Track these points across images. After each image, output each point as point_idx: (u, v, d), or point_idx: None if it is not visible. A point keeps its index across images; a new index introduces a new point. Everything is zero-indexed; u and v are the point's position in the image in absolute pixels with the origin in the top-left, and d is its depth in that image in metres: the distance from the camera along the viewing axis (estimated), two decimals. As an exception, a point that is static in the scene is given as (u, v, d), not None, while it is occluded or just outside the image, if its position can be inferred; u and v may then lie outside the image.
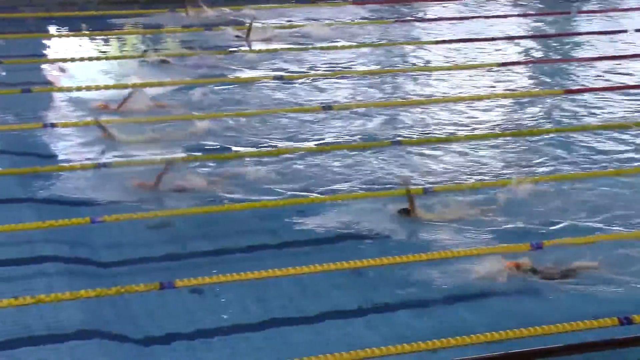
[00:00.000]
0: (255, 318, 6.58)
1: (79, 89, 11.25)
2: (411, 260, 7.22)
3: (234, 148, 9.67)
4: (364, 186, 8.76)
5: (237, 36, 13.60)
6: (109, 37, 13.88)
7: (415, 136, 10.16)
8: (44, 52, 13.29)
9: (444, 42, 14.08)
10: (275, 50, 13.27)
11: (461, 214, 8.10)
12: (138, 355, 6.19)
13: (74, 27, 14.35)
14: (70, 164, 9.12)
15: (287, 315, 6.65)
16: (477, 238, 7.72)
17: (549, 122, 10.73)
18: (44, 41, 13.86)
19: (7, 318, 6.47)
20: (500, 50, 13.84)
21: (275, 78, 11.92)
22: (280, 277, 7.03)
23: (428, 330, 6.35)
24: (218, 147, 9.69)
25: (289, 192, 8.57)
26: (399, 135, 10.15)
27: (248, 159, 9.35)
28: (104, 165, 9.06)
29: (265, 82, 11.80)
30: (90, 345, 6.24)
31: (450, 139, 10.09)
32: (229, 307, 6.73)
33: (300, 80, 11.90)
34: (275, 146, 9.69)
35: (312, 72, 12.32)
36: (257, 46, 13.41)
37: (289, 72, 12.23)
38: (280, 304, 6.77)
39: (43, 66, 12.47)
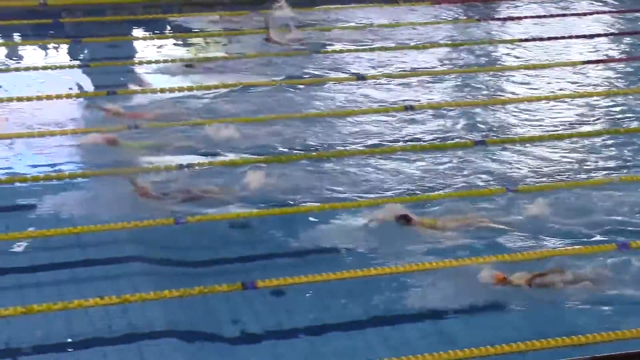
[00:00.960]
0: (336, 318, 6.50)
1: (162, 90, 11.27)
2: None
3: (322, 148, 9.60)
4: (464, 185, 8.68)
5: (266, 39, 13.38)
6: (189, 39, 13.87)
7: (499, 135, 9.96)
8: (129, 54, 13.36)
9: (525, 40, 13.82)
10: (356, 50, 13.16)
11: (465, 223, 7.84)
12: (220, 354, 6.19)
13: (157, 29, 14.44)
14: (154, 164, 9.13)
15: (373, 315, 6.57)
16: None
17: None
18: (128, 44, 13.95)
19: (94, 316, 6.50)
20: (583, 48, 13.53)
21: (359, 79, 11.81)
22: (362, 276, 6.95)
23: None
24: (312, 146, 9.64)
25: (393, 192, 8.51)
26: (483, 135, 9.96)
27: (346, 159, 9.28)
28: (187, 166, 9.04)
29: (347, 83, 11.70)
30: (173, 344, 6.24)
31: (533, 138, 9.87)
32: (310, 307, 6.65)
33: (380, 80, 11.78)
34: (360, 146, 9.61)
35: (393, 72, 12.18)
36: (337, 47, 13.31)
37: (369, 72, 12.10)
38: (364, 303, 6.68)
39: (128, 68, 12.52)
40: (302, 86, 11.52)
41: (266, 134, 9.88)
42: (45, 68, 12.07)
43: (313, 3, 15.68)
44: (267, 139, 9.74)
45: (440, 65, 12.62)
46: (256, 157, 9.27)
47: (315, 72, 12.15)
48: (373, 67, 12.34)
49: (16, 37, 13.79)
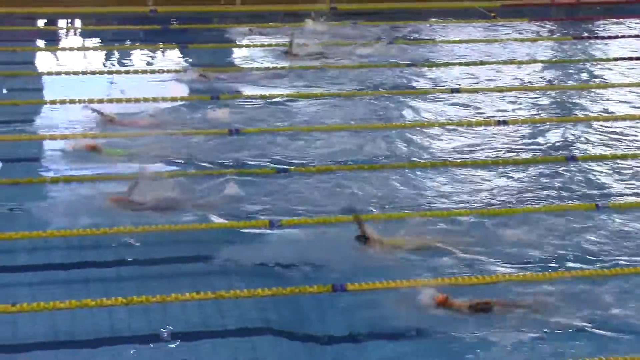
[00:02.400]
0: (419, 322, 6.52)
1: (271, 96, 11.44)
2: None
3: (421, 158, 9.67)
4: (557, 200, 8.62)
5: (285, 52, 13.39)
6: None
7: (590, 152, 9.85)
8: (231, 61, 13.56)
9: (622, 59, 13.61)
10: (453, 64, 13.14)
11: (424, 243, 7.66)
12: (310, 353, 6.23)
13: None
14: (253, 168, 9.28)
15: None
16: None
17: None
18: (229, 51, 14.14)
19: (189, 311, 6.63)
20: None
21: (453, 91, 11.80)
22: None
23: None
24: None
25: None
26: (575, 150, 9.86)
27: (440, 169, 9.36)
28: (284, 170, 9.17)
29: (441, 95, 11.70)
30: (264, 341, 6.34)
31: (626, 155, 9.73)
32: (398, 310, 6.69)
33: (476, 95, 11.74)
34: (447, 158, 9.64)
35: (487, 86, 12.14)
36: (435, 61, 13.32)
37: (463, 86, 12.08)
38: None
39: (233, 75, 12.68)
40: (401, 97, 11.55)
41: (366, 142, 10.01)
42: (152, 72, 12.36)
43: (412, 17, 15.75)
44: (370, 148, 9.87)
45: (535, 82, 12.50)
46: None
47: (414, 85, 12.19)
48: (467, 81, 12.30)
49: (128, 41, 14.12)
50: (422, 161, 9.54)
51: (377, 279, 7.01)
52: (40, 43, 14.52)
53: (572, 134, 10.45)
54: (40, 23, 15.53)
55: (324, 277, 7.09)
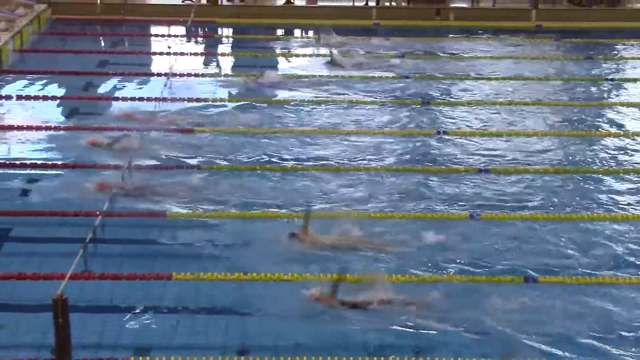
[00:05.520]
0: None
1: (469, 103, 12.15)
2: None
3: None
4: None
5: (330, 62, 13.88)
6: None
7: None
8: (445, 69, 14.18)
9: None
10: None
11: (351, 242, 7.87)
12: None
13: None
14: (456, 166, 9.95)
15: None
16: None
17: None
18: (442, 60, 14.80)
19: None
20: None
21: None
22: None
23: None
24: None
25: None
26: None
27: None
28: (485, 170, 9.81)
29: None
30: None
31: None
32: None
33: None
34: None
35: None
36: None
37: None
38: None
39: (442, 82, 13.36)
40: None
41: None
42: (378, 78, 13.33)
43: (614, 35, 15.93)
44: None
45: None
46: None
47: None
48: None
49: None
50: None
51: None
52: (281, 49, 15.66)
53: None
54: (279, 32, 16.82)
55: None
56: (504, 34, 16.16)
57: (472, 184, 9.44)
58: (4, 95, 12.24)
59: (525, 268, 7.59)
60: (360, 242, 7.94)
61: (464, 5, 18.02)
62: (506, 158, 10.20)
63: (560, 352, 6.44)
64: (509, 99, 12.41)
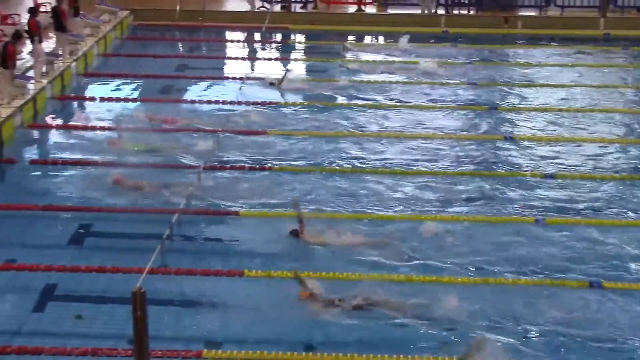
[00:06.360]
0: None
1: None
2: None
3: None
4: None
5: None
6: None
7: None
8: (510, 76, 14.18)
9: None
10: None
11: (350, 242, 7.87)
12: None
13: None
14: (522, 171, 9.96)
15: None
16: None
17: None
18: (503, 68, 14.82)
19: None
20: None
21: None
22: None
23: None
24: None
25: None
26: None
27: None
28: (551, 175, 9.80)
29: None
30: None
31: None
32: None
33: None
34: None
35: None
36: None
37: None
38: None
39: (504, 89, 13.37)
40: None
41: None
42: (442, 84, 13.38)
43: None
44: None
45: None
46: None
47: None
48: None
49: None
50: None
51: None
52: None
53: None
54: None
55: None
56: (571, 42, 16.06)
57: (538, 188, 9.45)
58: (88, 97, 12.65)
59: (590, 273, 7.57)
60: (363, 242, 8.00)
61: (532, 13, 17.93)
62: (572, 164, 10.18)
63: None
64: (576, 105, 12.36)
